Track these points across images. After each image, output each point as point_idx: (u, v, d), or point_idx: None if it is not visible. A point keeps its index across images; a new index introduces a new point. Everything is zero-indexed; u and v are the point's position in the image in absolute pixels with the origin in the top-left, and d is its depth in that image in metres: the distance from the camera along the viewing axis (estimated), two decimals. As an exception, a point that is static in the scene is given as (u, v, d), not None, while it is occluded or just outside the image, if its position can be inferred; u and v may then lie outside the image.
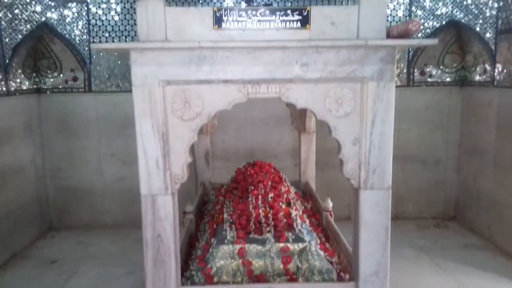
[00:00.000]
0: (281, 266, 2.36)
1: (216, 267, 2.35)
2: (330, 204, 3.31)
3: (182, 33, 2.00)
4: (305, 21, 1.98)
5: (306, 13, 1.97)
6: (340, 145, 2.13)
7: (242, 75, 2.03)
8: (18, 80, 4.31)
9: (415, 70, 4.84)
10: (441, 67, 4.83)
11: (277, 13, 1.98)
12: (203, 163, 4.35)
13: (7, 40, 4.00)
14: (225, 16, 1.98)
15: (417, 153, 4.96)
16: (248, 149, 4.97)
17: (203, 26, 2.00)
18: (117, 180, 4.86)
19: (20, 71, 4.33)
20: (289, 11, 1.99)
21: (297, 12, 1.98)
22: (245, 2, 3.74)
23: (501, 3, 4.03)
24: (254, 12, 1.99)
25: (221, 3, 4.59)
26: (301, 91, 2.08)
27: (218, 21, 1.98)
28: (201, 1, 4.61)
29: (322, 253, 2.46)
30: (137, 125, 2.05)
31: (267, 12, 1.99)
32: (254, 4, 3.77)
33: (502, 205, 4.08)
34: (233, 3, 4.53)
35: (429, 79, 4.87)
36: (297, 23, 1.99)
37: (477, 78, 4.54)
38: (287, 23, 1.99)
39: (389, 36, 2.03)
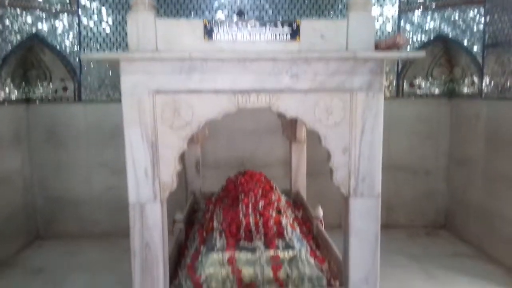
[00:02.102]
0: (271, 274, 2.36)
1: (205, 275, 2.34)
2: (320, 212, 3.32)
3: (172, 43, 2.01)
4: (295, 34, 2.01)
5: (295, 26, 2.00)
6: (330, 154, 2.14)
7: (232, 84, 2.05)
8: (7, 90, 4.29)
9: (405, 82, 4.91)
10: (430, 79, 4.91)
11: (267, 25, 2.01)
12: (194, 172, 4.34)
13: (-3, 50, 3.99)
14: (215, 28, 2.00)
15: (408, 163, 5.01)
16: (239, 159, 4.97)
17: (194, 37, 2.01)
18: (106, 190, 4.82)
19: (9, 80, 4.31)
20: (279, 24, 2.02)
21: (287, 25, 2.01)
22: (237, 14, 3.77)
23: (488, 18, 4.13)
24: (244, 24, 2.01)
25: (213, 16, 4.63)
26: (291, 101, 2.10)
27: (208, 33, 2.00)
28: (193, 15, 4.65)
29: (312, 260, 2.46)
30: (126, 134, 2.04)
31: (258, 24, 2.01)
32: (245, 17, 3.80)
33: (491, 215, 4.12)
34: (225, 16, 4.57)
35: (418, 91, 4.94)
36: (287, 35, 2.02)
37: (465, 90, 4.62)
38: (277, 35, 2.02)
39: (377, 48, 2.07)
